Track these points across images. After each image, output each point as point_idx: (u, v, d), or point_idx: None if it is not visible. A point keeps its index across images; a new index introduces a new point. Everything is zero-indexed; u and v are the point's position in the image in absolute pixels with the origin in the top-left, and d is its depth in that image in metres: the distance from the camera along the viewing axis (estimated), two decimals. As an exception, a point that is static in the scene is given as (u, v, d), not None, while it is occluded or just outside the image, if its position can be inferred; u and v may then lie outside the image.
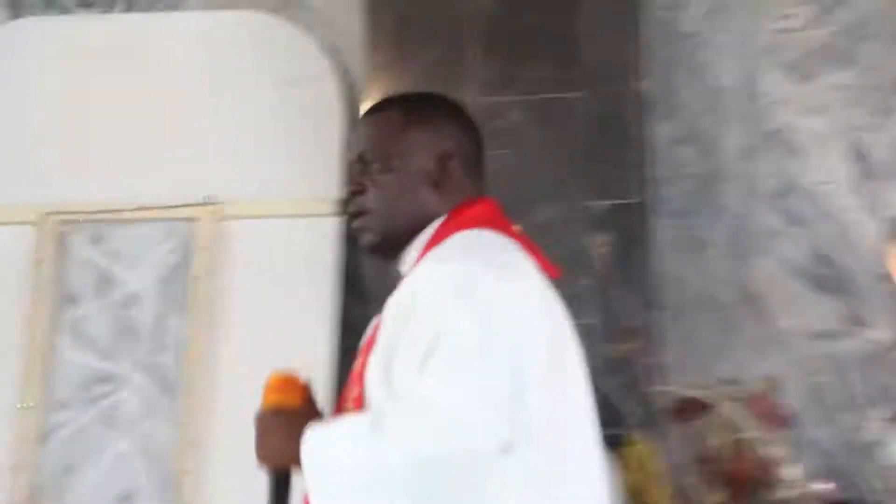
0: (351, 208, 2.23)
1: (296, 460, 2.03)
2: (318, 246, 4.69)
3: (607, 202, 5.04)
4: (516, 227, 2.19)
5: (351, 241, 4.56)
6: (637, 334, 4.88)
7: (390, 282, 2.22)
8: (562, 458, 1.99)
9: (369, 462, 1.90)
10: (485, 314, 1.96)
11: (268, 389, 2.21)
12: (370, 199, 2.21)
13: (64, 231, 4.81)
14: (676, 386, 4.78)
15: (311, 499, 2.00)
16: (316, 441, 2.01)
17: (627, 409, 4.80)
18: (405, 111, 2.27)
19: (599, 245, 4.98)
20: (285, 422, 2.12)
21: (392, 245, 2.22)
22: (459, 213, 2.17)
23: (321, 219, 4.72)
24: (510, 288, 2.01)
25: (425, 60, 5.24)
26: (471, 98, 5.19)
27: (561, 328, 2.11)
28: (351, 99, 5.03)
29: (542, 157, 5.15)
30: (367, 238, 2.24)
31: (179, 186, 4.79)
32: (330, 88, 4.93)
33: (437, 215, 2.18)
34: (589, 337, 4.91)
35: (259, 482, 2.23)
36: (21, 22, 5.04)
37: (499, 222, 2.18)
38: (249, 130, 4.85)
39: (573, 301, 4.96)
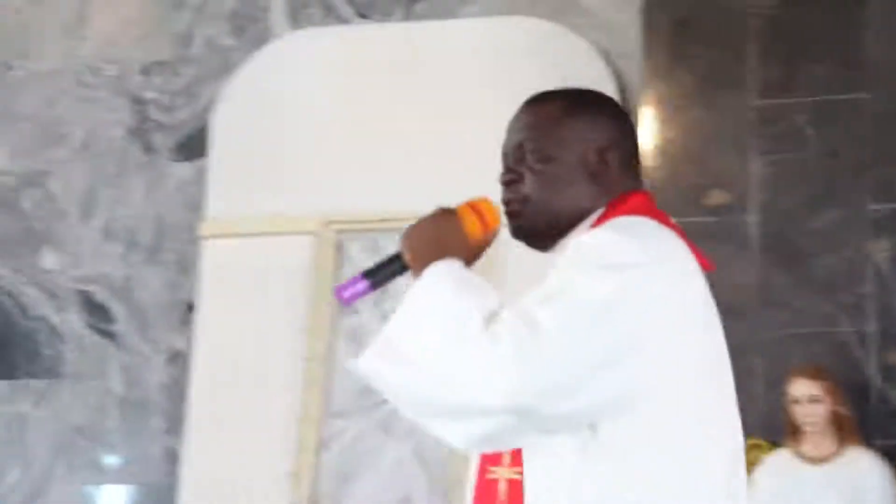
0: (505, 197, 2.19)
1: (421, 265, 2.02)
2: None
3: (890, 206, 4.88)
4: (672, 220, 2.12)
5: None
6: (918, 343, 4.75)
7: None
8: (690, 455, 1.92)
9: (460, 331, 1.89)
10: (623, 290, 1.90)
11: (469, 200, 2.14)
12: (526, 187, 2.15)
13: (342, 240, 4.88)
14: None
15: (399, 308, 1.97)
16: (446, 270, 2.00)
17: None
18: (568, 103, 2.19)
19: (880, 251, 4.84)
20: (447, 232, 2.08)
21: (543, 234, 2.18)
22: (615, 207, 2.11)
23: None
24: (662, 274, 1.95)
25: (702, 63, 5.15)
26: (750, 101, 5.09)
27: (716, 324, 2.03)
28: (627, 104, 4.96)
29: (824, 160, 5.01)
30: (516, 222, 2.19)
31: (453, 195, 4.79)
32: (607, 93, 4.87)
33: (593, 209, 2.12)
34: (867, 345, 4.83)
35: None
36: (300, 34, 5.12)
37: (656, 213, 2.12)
38: (523, 137, 4.82)
39: (849, 308, 4.88)
